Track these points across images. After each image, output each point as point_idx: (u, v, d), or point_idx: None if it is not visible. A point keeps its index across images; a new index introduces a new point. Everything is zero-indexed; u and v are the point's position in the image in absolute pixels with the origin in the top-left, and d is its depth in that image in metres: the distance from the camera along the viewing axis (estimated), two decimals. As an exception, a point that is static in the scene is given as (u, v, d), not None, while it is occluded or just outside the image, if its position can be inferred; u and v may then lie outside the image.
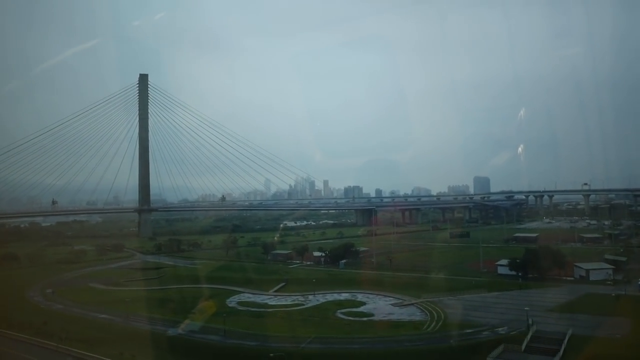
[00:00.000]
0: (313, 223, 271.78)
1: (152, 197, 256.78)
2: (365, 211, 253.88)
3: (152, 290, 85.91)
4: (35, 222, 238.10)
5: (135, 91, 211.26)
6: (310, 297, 75.73)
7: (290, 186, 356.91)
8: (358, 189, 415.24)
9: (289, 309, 69.20)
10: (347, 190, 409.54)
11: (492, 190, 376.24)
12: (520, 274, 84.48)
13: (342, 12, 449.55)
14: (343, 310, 66.28)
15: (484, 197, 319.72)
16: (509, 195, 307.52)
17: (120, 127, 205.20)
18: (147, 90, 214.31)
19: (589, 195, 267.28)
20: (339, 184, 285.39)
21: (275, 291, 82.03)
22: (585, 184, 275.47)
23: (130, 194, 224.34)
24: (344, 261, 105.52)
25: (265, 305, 71.63)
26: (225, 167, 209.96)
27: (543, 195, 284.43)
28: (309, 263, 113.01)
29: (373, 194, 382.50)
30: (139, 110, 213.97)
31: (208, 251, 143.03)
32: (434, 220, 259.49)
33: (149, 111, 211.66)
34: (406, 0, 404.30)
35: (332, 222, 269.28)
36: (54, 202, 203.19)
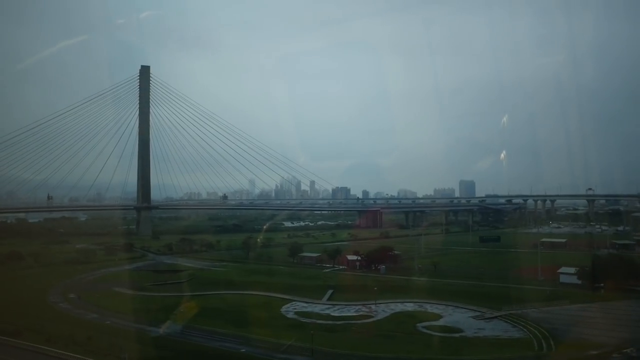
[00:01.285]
0: (311, 224, 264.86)
1: (133, 195, 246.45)
2: (370, 213, 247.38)
3: (189, 296, 77.50)
4: (21, 218, 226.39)
5: (130, 85, 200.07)
6: (373, 307, 68.45)
7: (276, 186, 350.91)
8: (346, 190, 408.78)
9: (359, 321, 61.76)
10: (335, 192, 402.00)
11: (477, 194, 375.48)
12: (590, 283, 78.33)
13: (329, 15, 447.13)
14: (424, 324, 59.16)
15: (482, 200, 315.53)
16: (509, 199, 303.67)
17: (111, 122, 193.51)
18: (149, 83, 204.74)
19: (594, 200, 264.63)
20: (324, 186, 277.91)
21: (328, 300, 74.52)
22: (590, 189, 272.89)
23: (113, 191, 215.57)
24: (384, 266, 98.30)
25: (330, 317, 64.00)
26: (211, 166, 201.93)
27: (545, 200, 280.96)
28: (342, 267, 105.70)
29: (360, 196, 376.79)
30: (140, 104, 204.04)
31: (223, 252, 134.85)
32: (435, 223, 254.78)
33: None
34: (392, 5, 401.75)
35: (333, 223, 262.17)
36: (49, 198, 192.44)
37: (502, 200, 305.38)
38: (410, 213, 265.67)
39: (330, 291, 79.38)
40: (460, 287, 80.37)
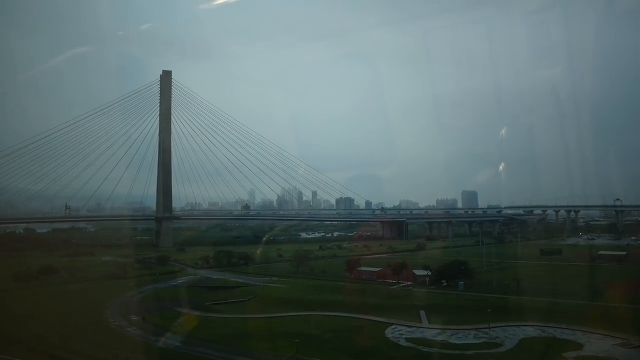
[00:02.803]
0: (327, 235, 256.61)
1: (135, 206, 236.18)
2: (394, 224, 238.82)
3: (266, 318, 68.64)
4: (30, 229, 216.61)
5: (146, 92, 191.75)
6: (490, 332, 59.83)
7: (278, 196, 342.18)
8: (350, 200, 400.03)
9: (491, 350, 53.10)
10: (339, 202, 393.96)
11: (480, 205, 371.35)
12: None
13: (330, 26, 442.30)
14: (573, 355, 50.60)
15: (499, 211, 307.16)
16: (529, 210, 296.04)
17: (124, 131, 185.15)
18: (171, 89, 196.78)
19: (622, 211, 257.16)
20: (325, 196, 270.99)
21: (430, 322, 65.80)
22: (618, 199, 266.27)
23: (113, 201, 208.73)
24: (462, 282, 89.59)
25: (451, 345, 55.24)
26: (210, 176, 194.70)
27: (570, 211, 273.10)
28: (407, 283, 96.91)
29: (363, 206, 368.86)
30: (161, 110, 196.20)
31: (265, 266, 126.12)
32: (459, 234, 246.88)
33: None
34: (394, 17, 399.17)
35: (349, 233, 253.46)
36: (67, 208, 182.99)
37: (521, 211, 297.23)
38: (435, 224, 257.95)
39: (422, 312, 70.80)
40: (566, 307, 71.61)
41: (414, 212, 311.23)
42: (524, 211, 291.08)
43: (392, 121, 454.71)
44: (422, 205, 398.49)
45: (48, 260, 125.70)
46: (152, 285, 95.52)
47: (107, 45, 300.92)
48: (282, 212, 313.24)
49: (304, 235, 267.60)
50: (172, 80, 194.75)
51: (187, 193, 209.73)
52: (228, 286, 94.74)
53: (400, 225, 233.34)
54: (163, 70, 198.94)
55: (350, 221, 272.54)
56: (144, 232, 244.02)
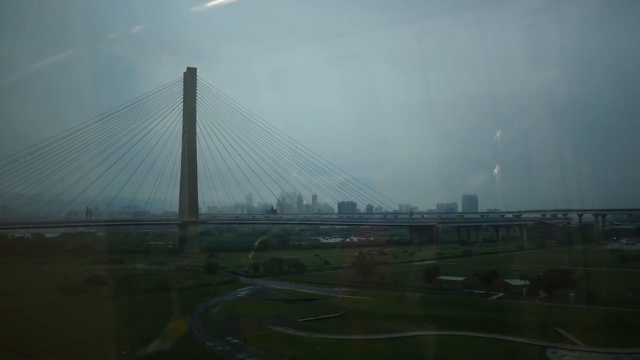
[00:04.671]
0: (346, 239, 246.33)
1: (131, 210, 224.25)
2: (423, 228, 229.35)
3: (386, 341, 58.55)
4: (38, 233, 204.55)
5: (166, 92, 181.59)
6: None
7: (278, 200, 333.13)
8: (352, 204, 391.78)
9: None
10: (342, 206, 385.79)
11: (480, 208, 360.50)
12: None
13: (324, 29, 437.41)
14: None
15: (485, 215, 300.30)
16: (554, 213, 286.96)
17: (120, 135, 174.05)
18: (195, 86, 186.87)
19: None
20: (325, 200, 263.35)
21: (586, 343, 56.06)
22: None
23: (112, 206, 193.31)
24: (573, 294, 79.93)
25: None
26: (212, 180, 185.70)
27: (598, 215, 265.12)
28: (499, 294, 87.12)
29: (364, 210, 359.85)
30: (184, 109, 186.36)
31: (321, 273, 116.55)
32: (485, 239, 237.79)
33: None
34: (388, 19, 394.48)
35: (368, 239, 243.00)
36: (88, 211, 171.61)
37: (539, 215, 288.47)
38: (462, 228, 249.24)
39: (558, 329, 61.09)
40: None
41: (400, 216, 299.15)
42: (550, 215, 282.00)
43: (389, 124, 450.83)
44: (422, 209, 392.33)
45: (76, 267, 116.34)
46: (217, 298, 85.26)
47: (98, 48, 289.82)
48: (279, 217, 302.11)
49: (321, 240, 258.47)
50: (197, 78, 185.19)
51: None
52: (304, 298, 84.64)
53: (430, 230, 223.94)
54: (187, 67, 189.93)
55: (378, 224, 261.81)
56: (158, 237, 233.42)
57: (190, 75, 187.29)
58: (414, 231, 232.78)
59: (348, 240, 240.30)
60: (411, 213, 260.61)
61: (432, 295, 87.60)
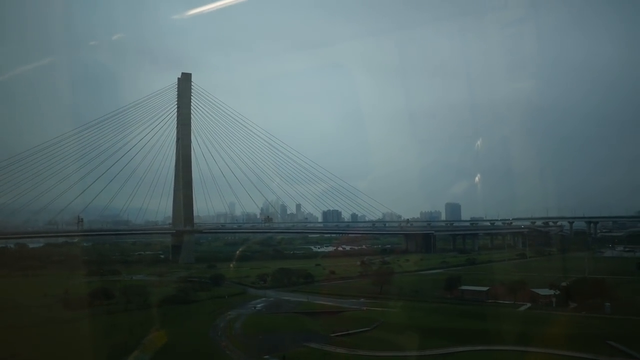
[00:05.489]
0: (339, 249, 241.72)
1: (105, 219, 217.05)
2: (419, 236, 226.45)
3: (437, 358, 54.48)
4: (21, 244, 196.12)
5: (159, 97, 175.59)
6: None
7: (261, 209, 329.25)
8: (337, 213, 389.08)
9: None
10: (326, 214, 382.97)
11: (463, 217, 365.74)
12: None
13: (306, 38, 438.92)
14: None
15: (509, 223, 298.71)
16: (546, 221, 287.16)
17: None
18: (190, 92, 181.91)
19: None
20: (308, 209, 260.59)
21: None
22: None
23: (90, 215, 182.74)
24: (608, 303, 77.00)
25: None
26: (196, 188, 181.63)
27: (598, 222, 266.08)
28: (526, 304, 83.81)
29: (348, 218, 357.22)
30: (178, 115, 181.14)
31: (330, 283, 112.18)
32: (483, 247, 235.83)
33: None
34: (369, 29, 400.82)
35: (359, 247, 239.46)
36: (79, 220, 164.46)
37: (540, 223, 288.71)
38: (459, 237, 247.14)
39: (611, 343, 57.81)
40: None
41: (389, 224, 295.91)
42: (543, 222, 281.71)
43: (371, 133, 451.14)
44: (406, 218, 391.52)
45: (71, 279, 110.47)
46: (234, 311, 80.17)
47: (78, 55, 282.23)
48: (288, 225, 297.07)
49: (313, 248, 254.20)
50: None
51: (167, 205, 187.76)
52: (326, 311, 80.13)
53: (426, 238, 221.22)
54: (182, 73, 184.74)
55: (373, 233, 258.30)
56: (146, 247, 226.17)
57: (184, 81, 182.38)
58: (410, 239, 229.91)
59: (341, 249, 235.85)
60: (407, 221, 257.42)
61: (458, 306, 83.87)
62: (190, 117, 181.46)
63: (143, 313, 77.08)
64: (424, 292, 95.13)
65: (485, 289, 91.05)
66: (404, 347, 57.92)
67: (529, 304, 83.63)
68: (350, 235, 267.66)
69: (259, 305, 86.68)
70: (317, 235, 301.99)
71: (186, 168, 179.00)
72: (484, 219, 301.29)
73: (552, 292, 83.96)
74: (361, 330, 67.34)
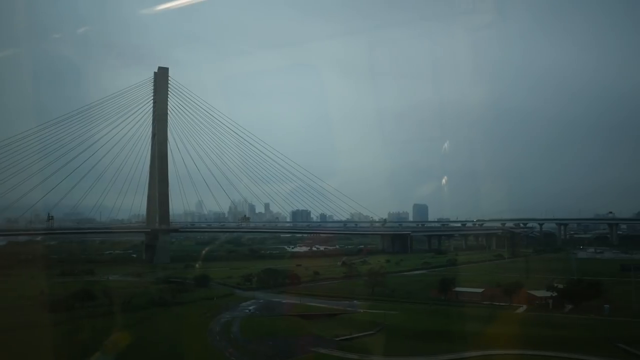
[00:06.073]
0: (314, 249, 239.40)
1: (68, 217, 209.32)
2: (396, 237, 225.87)
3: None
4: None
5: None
6: None
7: (230, 208, 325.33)
8: (306, 213, 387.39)
9: None
10: (295, 214, 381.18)
11: (430, 218, 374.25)
12: None
13: (276, 36, 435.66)
14: None
15: (481, 224, 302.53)
16: (517, 222, 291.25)
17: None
18: (167, 87, 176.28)
19: (617, 224, 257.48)
20: (276, 209, 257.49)
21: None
22: (611, 212, 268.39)
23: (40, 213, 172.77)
24: (607, 305, 76.74)
25: None
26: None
27: (567, 224, 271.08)
28: (522, 306, 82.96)
29: (317, 218, 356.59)
30: (154, 110, 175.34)
31: (318, 284, 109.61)
32: (457, 248, 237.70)
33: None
34: (339, 29, 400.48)
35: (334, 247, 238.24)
36: (50, 218, 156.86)
37: (511, 224, 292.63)
38: (434, 237, 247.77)
39: (622, 346, 57.00)
40: None
41: (360, 224, 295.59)
42: (514, 224, 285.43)
43: (340, 133, 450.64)
44: (375, 218, 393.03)
45: (44, 280, 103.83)
46: (227, 314, 76.50)
47: (40, 47, 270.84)
48: (257, 224, 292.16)
49: (287, 248, 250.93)
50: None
51: (134, 203, 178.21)
52: (323, 314, 77.37)
53: (403, 238, 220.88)
54: (159, 67, 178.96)
55: (350, 233, 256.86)
56: (115, 246, 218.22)
57: (160, 76, 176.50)
58: (386, 240, 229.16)
59: (315, 248, 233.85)
60: (385, 221, 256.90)
61: (455, 308, 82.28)
62: (166, 113, 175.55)
63: (130, 316, 72.57)
64: (416, 294, 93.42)
65: (480, 290, 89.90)
66: (415, 352, 55.70)
67: (525, 306, 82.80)
68: (322, 235, 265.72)
69: (250, 308, 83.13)
70: (289, 235, 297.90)
71: (162, 165, 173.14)
72: (452, 220, 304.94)
73: (547, 293, 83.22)
74: (365, 333, 64.89)
